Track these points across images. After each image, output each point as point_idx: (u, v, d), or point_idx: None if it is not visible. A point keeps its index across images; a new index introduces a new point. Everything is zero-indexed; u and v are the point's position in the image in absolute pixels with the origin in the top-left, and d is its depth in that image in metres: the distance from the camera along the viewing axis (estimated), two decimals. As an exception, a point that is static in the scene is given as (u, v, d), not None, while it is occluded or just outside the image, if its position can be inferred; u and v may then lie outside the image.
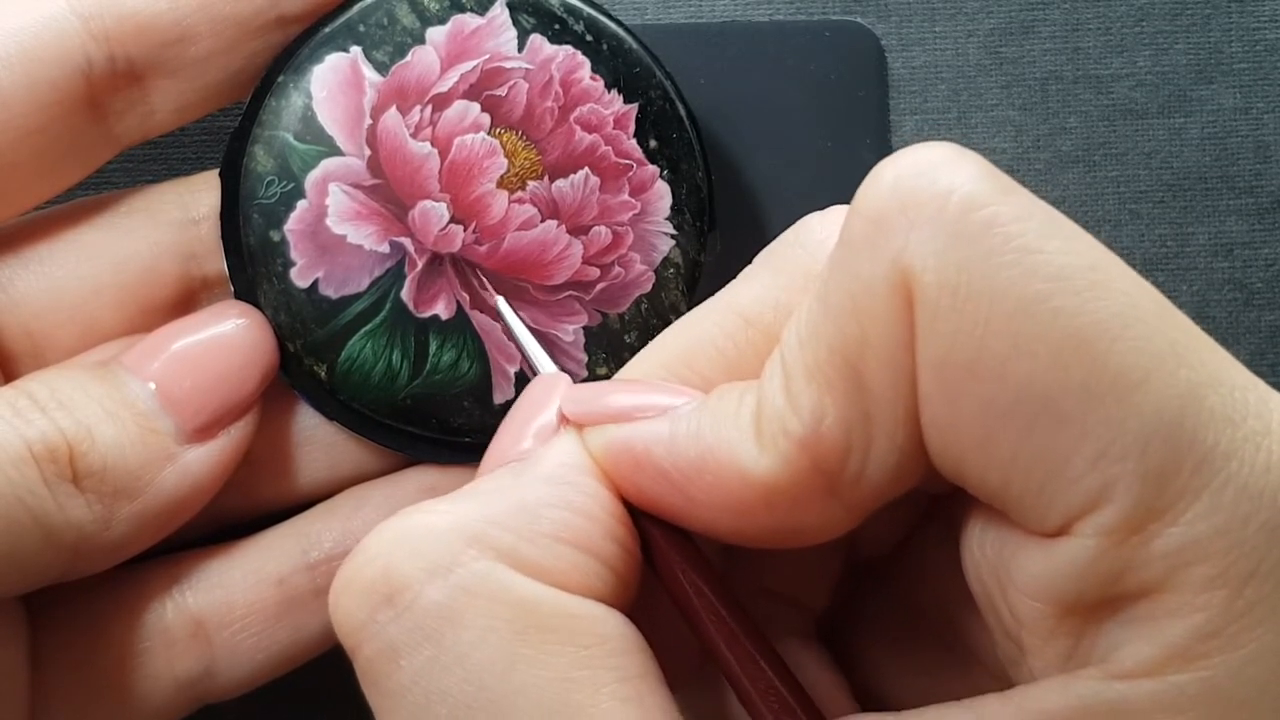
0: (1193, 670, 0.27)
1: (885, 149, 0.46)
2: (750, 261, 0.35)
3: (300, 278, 0.40)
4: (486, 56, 0.41)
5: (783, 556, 0.35)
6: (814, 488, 0.30)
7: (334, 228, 0.40)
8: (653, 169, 0.41)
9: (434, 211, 0.40)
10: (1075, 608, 0.28)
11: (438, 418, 0.41)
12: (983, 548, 0.31)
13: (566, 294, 0.41)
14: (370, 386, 0.41)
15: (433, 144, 0.40)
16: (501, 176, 0.40)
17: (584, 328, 0.41)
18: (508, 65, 0.41)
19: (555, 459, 0.32)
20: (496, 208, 0.40)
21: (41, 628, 0.39)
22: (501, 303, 0.40)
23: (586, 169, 0.41)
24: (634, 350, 0.40)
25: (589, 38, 0.41)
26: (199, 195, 0.41)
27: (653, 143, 0.41)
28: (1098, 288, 0.27)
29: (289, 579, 0.40)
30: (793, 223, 0.35)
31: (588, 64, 0.41)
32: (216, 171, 0.41)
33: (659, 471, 0.31)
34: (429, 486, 0.41)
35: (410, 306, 0.40)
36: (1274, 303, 0.47)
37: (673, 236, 0.41)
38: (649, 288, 0.41)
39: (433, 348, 0.41)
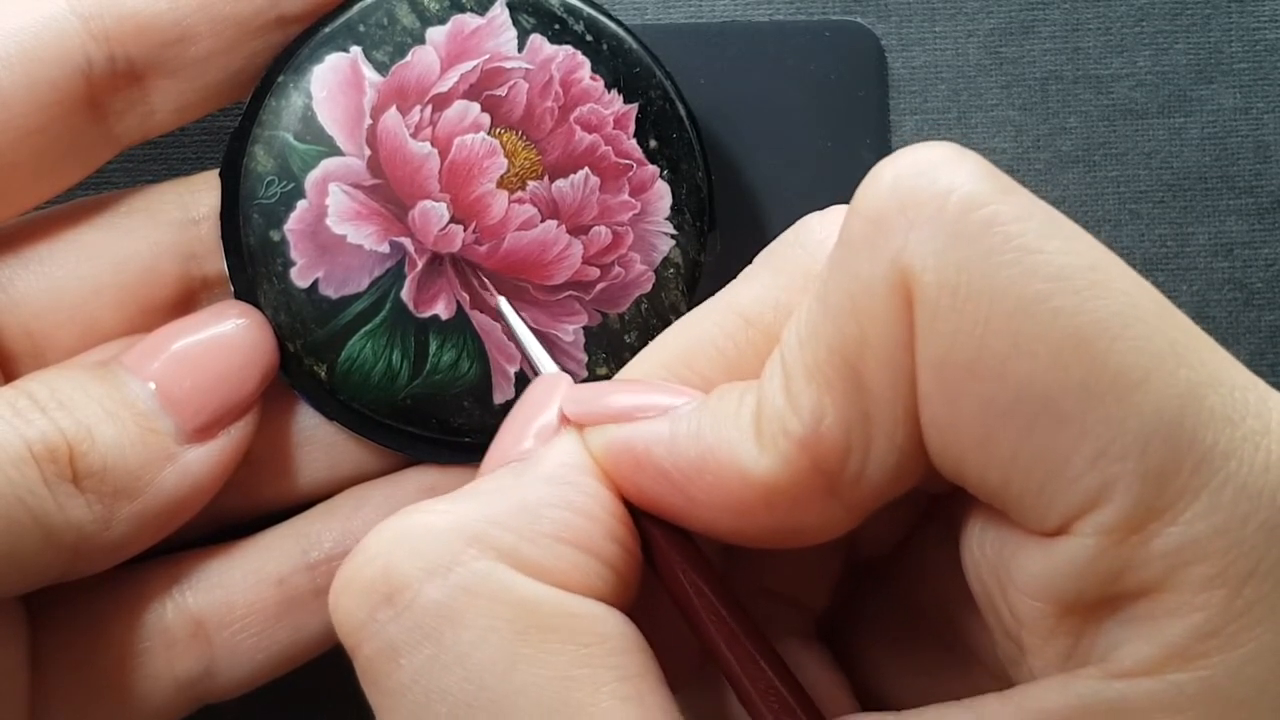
0: (1192, 669, 0.27)
1: (885, 149, 0.46)
2: (750, 261, 0.35)
3: (300, 278, 0.40)
4: (486, 56, 0.41)
5: (783, 556, 0.35)
6: (814, 487, 0.30)
7: (334, 228, 0.40)
8: (653, 169, 0.41)
9: (434, 211, 0.40)
10: (1075, 607, 0.28)
11: (438, 418, 0.41)
12: (982, 547, 0.31)
13: (566, 294, 0.41)
14: (370, 386, 0.41)
15: (433, 144, 0.40)
16: (501, 176, 0.40)
17: (584, 328, 0.41)
18: (508, 65, 0.41)
19: (556, 459, 0.32)
20: (496, 208, 0.40)
21: (41, 628, 0.39)
22: (503, 303, 0.40)
23: (586, 169, 0.41)
24: (634, 350, 0.40)
25: (589, 38, 0.41)
26: (199, 195, 0.41)
27: (653, 143, 0.41)
28: (1097, 287, 0.27)
29: (289, 579, 0.40)
30: (793, 223, 0.35)
31: (588, 64, 0.41)
32: (216, 171, 0.41)
33: (659, 471, 0.31)
34: (429, 486, 0.41)
35: (410, 306, 0.40)
36: (1274, 303, 0.47)
37: (673, 236, 0.41)
38: (649, 288, 0.41)
39: (433, 348, 0.41)
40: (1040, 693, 0.29)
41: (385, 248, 0.40)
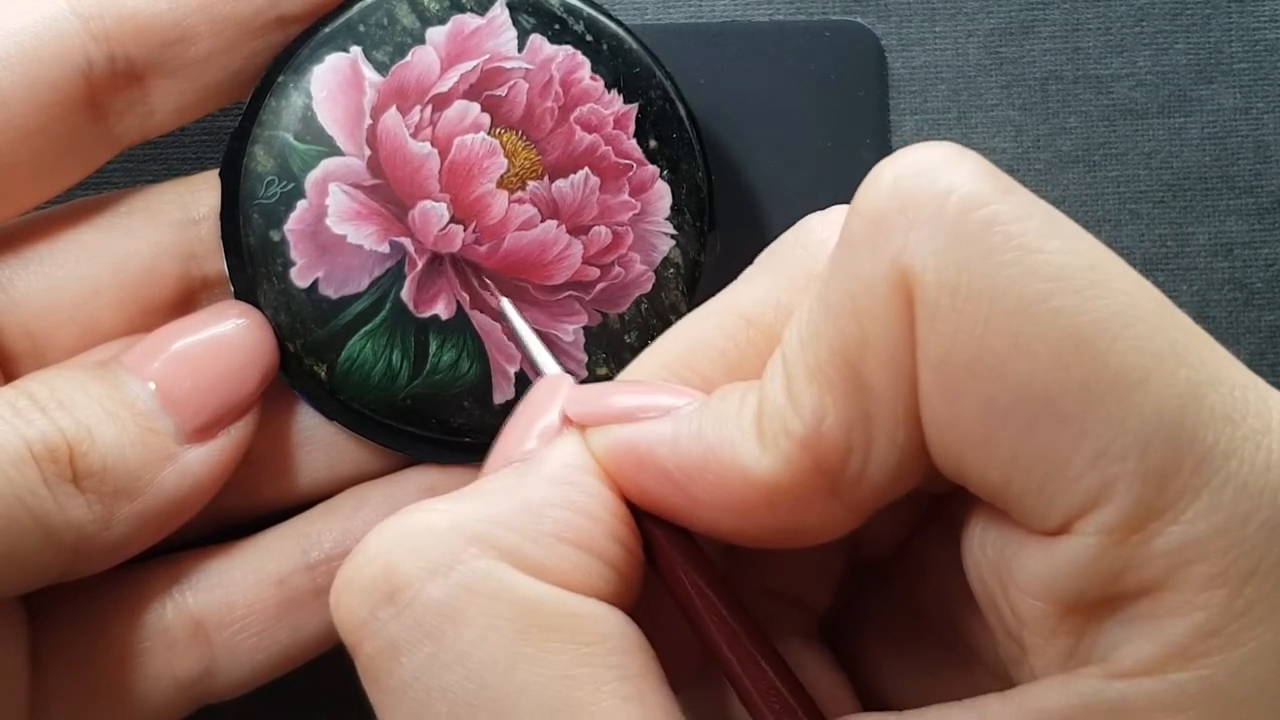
0: (1193, 669, 0.27)
1: (885, 149, 0.46)
2: (750, 261, 0.35)
3: (300, 278, 0.40)
4: (486, 56, 0.41)
5: (784, 556, 0.35)
6: (816, 487, 0.30)
7: (334, 228, 0.40)
8: (653, 169, 0.41)
9: (434, 211, 0.40)
10: (1076, 606, 0.28)
11: (438, 418, 0.41)
12: (984, 547, 0.31)
13: (566, 294, 0.41)
14: (370, 386, 0.41)
15: (433, 144, 0.40)
16: (501, 176, 0.40)
17: (584, 328, 0.41)
18: (508, 65, 0.41)
19: (558, 459, 0.32)
20: (496, 208, 0.40)
21: (41, 628, 0.39)
22: (506, 304, 0.40)
23: (586, 169, 0.41)
24: (634, 350, 0.40)
25: (589, 38, 0.41)
26: (199, 195, 0.41)
27: (653, 143, 0.41)
28: (1098, 287, 0.27)
29: (289, 579, 0.40)
30: (793, 223, 0.35)
31: (588, 64, 0.41)
32: (216, 171, 0.41)
33: (661, 472, 0.31)
34: (429, 486, 0.41)
35: (410, 306, 0.40)
36: (1274, 303, 0.47)
37: (673, 236, 0.41)
38: (649, 288, 0.41)
39: (433, 348, 0.41)
40: (1041, 692, 0.29)
41: (385, 248, 0.40)
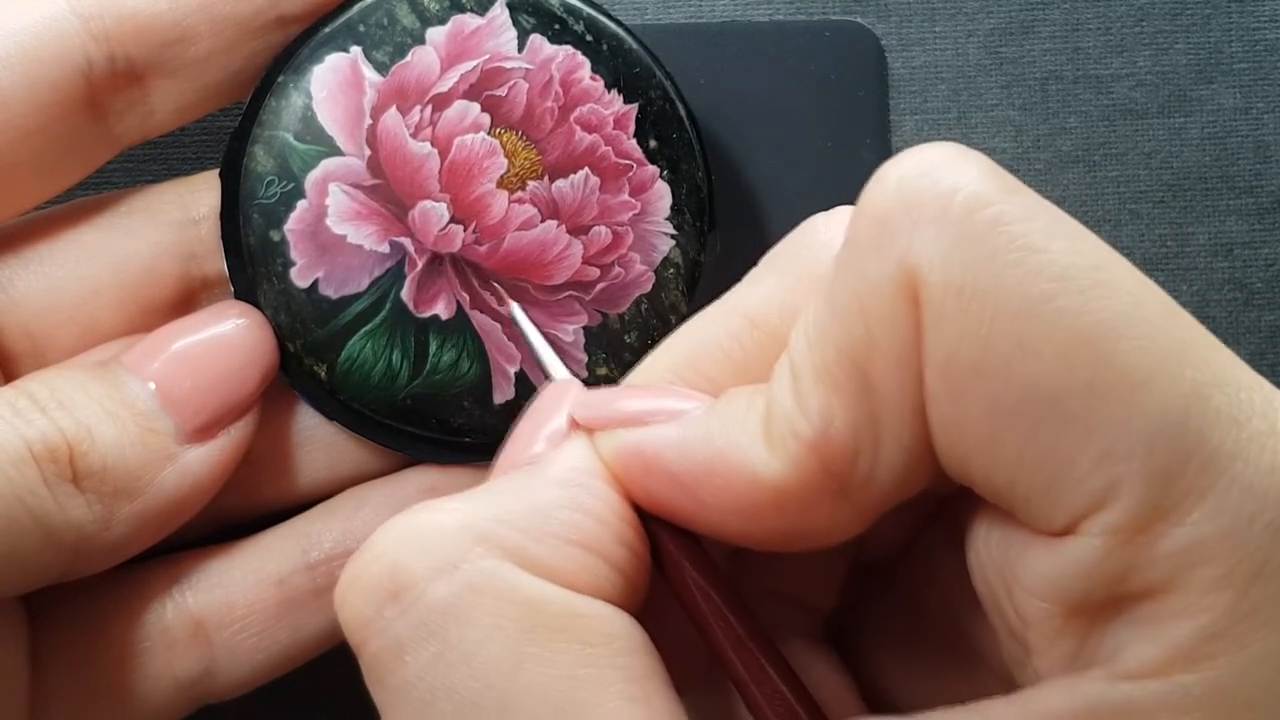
0: (1198, 671, 0.27)
1: (885, 149, 0.46)
2: (750, 261, 0.35)
3: (300, 278, 0.40)
4: (486, 56, 0.40)
5: (789, 557, 0.35)
6: (824, 490, 0.30)
7: (334, 228, 0.40)
8: (653, 169, 0.41)
9: (434, 211, 0.40)
10: (1081, 607, 0.28)
11: (438, 418, 0.41)
12: (989, 548, 0.31)
13: (566, 294, 0.41)
14: (370, 386, 0.41)
15: (433, 144, 0.40)
16: (501, 176, 0.40)
17: (584, 328, 0.41)
18: (508, 65, 0.41)
19: (566, 463, 0.32)
20: (496, 208, 0.40)
21: (41, 628, 0.39)
22: (515, 309, 0.40)
23: (586, 169, 0.41)
24: (634, 350, 0.40)
25: (589, 38, 0.41)
26: (199, 195, 0.41)
27: (653, 143, 0.41)
28: (1102, 287, 0.27)
29: (289, 579, 0.40)
30: (793, 223, 0.34)
31: (588, 64, 0.41)
32: (216, 171, 0.41)
33: (669, 475, 0.31)
34: (429, 486, 0.41)
35: (410, 306, 0.40)
36: (1274, 303, 0.48)
37: (673, 236, 0.41)
38: (649, 288, 0.41)
39: (433, 348, 0.41)
40: (1046, 695, 0.29)
41: (385, 248, 0.40)
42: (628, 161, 0.41)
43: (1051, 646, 0.29)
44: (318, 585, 0.40)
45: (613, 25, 0.41)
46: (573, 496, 0.31)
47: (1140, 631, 0.28)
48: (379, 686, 0.30)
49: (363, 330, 0.40)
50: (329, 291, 0.40)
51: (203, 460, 0.39)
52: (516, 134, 0.41)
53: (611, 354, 0.41)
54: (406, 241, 0.40)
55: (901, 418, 0.29)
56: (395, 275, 0.40)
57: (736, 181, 0.46)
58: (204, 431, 0.39)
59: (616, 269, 0.41)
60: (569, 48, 0.41)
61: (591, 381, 0.41)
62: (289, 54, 0.40)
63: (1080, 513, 0.28)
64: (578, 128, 0.41)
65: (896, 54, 0.47)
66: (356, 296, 0.40)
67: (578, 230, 0.41)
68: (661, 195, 0.41)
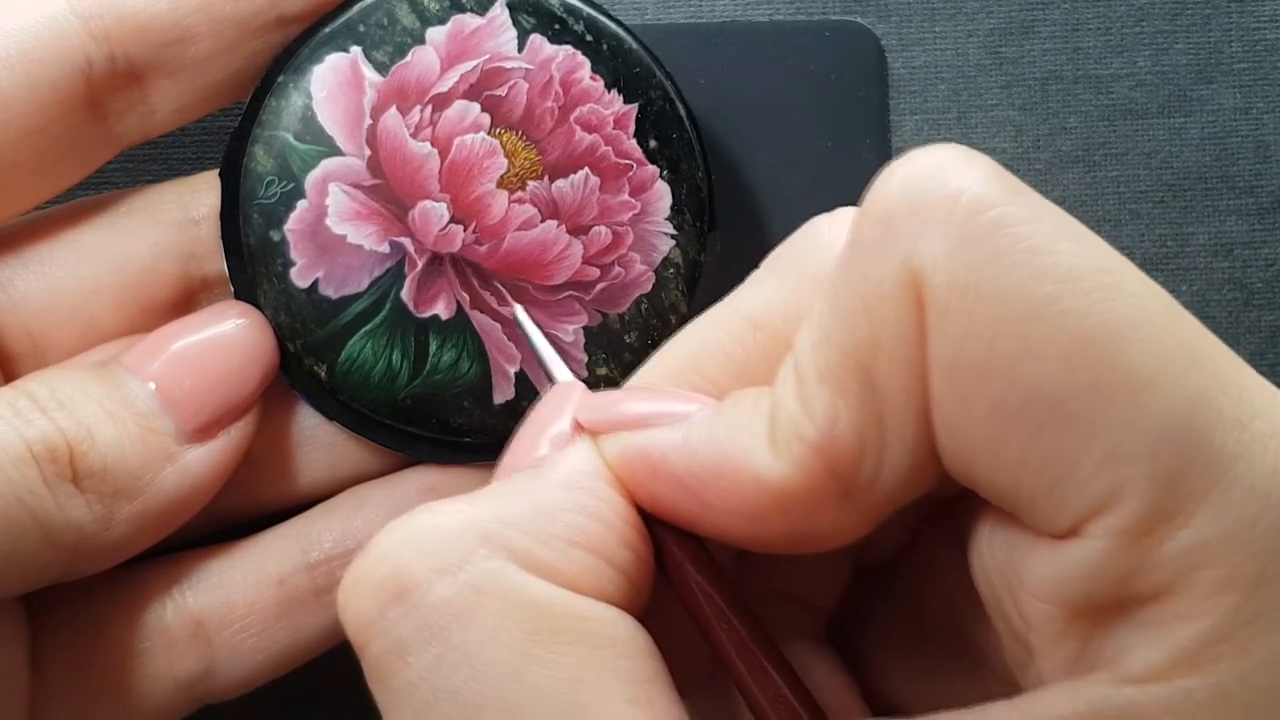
0: (1202, 675, 0.27)
1: (885, 149, 0.46)
2: (750, 261, 0.35)
3: (300, 278, 0.40)
4: (486, 56, 0.40)
5: (793, 558, 0.35)
6: (829, 492, 0.30)
7: (334, 228, 0.40)
8: (653, 169, 0.41)
9: (434, 211, 0.40)
10: (1084, 610, 0.28)
11: (438, 418, 0.41)
12: (992, 550, 0.30)
13: (566, 294, 0.41)
14: (370, 386, 0.41)
15: (433, 144, 0.40)
16: (501, 176, 0.40)
17: (584, 328, 0.41)
18: (508, 65, 0.41)
19: (570, 465, 0.32)
20: (496, 208, 0.40)
21: (41, 628, 0.39)
22: (519, 311, 0.40)
23: (586, 169, 0.41)
24: (634, 350, 0.40)
25: (589, 38, 0.41)
26: (199, 195, 0.41)
27: (653, 143, 0.41)
28: (1107, 289, 0.27)
29: (289, 579, 0.40)
30: (793, 223, 0.34)
31: (588, 64, 0.41)
32: (216, 171, 0.41)
33: (674, 478, 0.31)
34: (429, 486, 0.41)
35: (410, 306, 0.40)
36: (1274, 303, 0.48)
37: (673, 236, 0.41)
38: (649, 288, 0.41)
39: (433, 348, 0.41)
40: (1049, 699, 0.29)
41: (385, 248, 0.40)
42: (628, 161, 0.41)
43: (1054, 649, 0.29)
44: (318, 585, 0.40)
45: (613, 25, 0.41)
46: (577, 499, 0.31)
47: (1144, 634, 0.28)
48: (381, 688, 0.30)
49: (363, 330, 0.40)
50: (329, 291, 0.40)
51: (203, 460, 0.39)
52: (516, 134, 0.41)
53: (611, 354, 0.41)
54: (406, 241, 0.40)
55: (906, 419, 0.29)
56: (395, 275, 0.40)
57: (736, 181, 0.46)
58: (204, 431, 0.39)
59: (616, 269, 0.41)
60: (569, 48, 0.41)
61: (591, 381, 0.41)
62: (289, 54, 0.40)
63: (1084, 515, 0.28)
64: (578, 128, 0.41)
65: (896, 54, 0.47)
66: (356, 296, 0.40)
67: (578, 230, 0.41)
68: (661, 195, 0.41)
